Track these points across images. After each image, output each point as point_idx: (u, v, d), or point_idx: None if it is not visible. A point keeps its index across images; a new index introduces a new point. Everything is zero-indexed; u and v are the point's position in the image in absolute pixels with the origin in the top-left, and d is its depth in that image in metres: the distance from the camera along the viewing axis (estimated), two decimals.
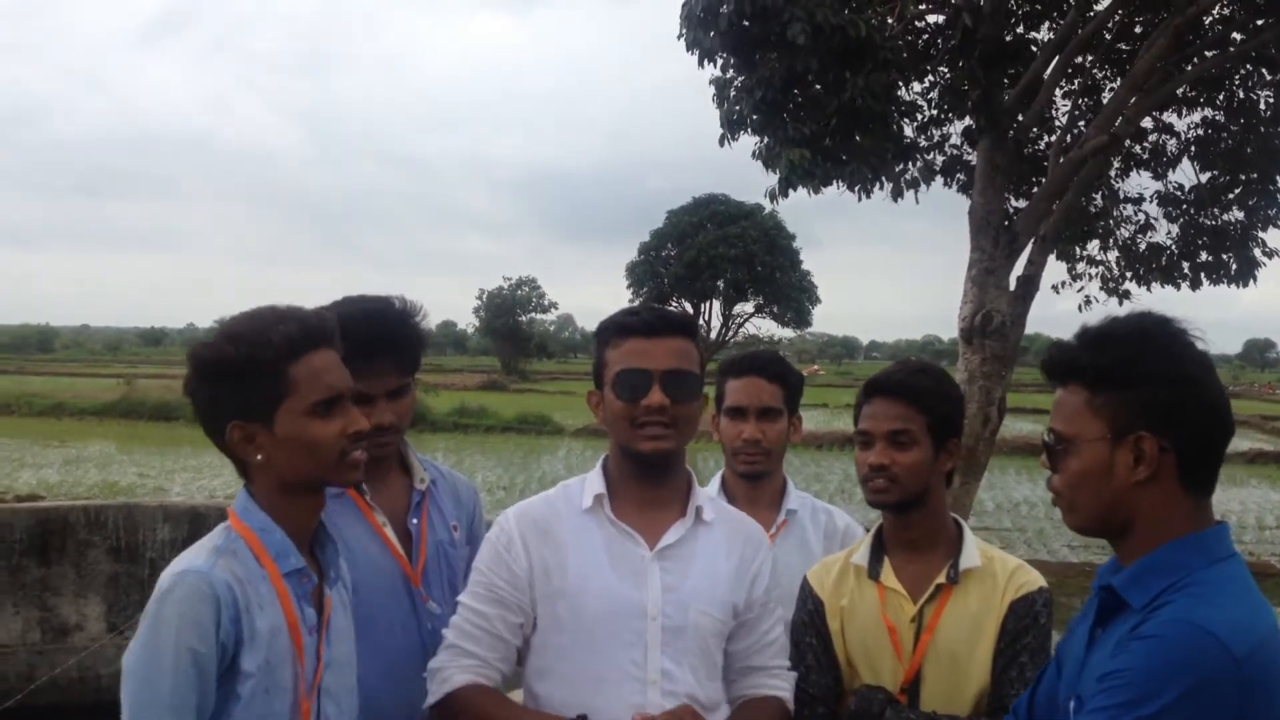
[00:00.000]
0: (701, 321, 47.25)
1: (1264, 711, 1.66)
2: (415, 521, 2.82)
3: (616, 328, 2.43)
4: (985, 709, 2.54)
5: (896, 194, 11.79)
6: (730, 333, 48.49)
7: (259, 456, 2.11)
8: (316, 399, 2.10)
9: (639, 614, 2.34)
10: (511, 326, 68.11)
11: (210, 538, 2.13)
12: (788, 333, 54.24)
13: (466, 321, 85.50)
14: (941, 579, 2.62)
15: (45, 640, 8.26)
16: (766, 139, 11.08)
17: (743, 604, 2.46)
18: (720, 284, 45.71)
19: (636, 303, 47.08)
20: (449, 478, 3.01)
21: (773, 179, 11.06)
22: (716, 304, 47.49)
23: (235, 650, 2.00)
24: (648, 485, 2.43)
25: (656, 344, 2.37)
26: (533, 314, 70.59)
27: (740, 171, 12.62)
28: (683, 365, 2.37)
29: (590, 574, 2.36)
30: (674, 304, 46.74)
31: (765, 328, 50.38)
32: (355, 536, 2.72)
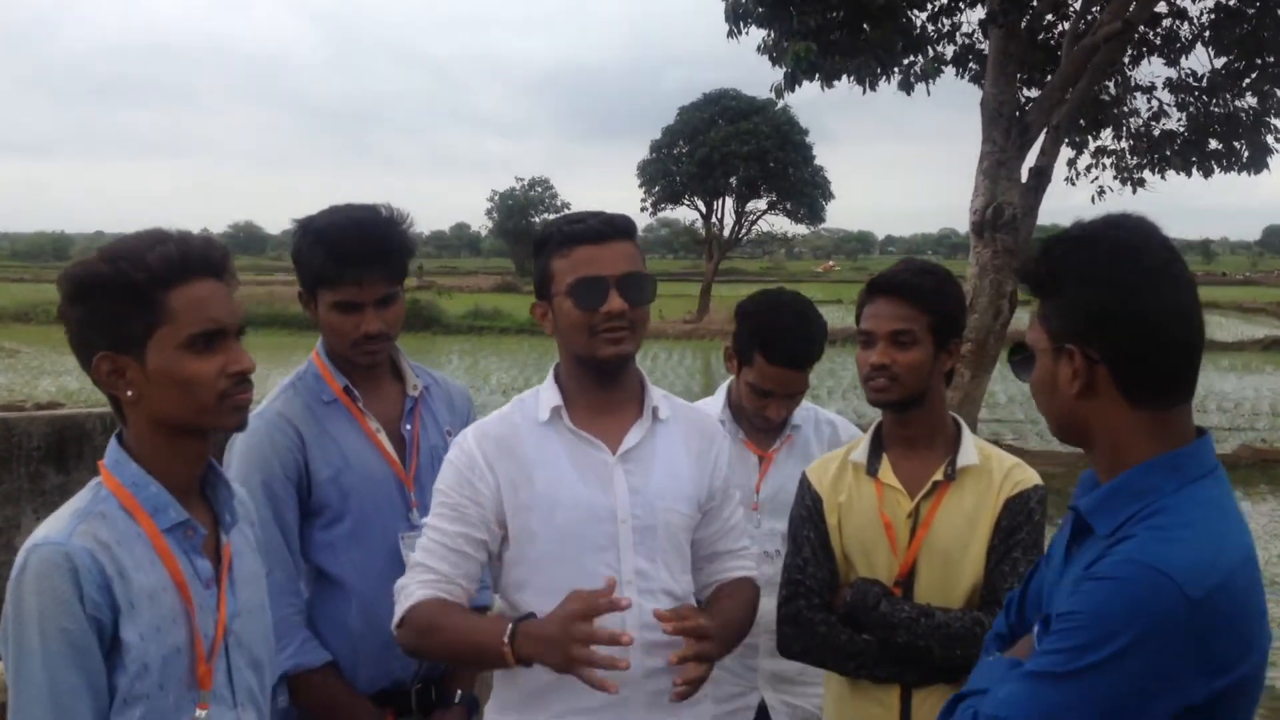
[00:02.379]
0: (714, 219, 46.90)
1: (1225, 643, 1.62)
2: (409, 427, 2.87)
3: (563, 236, 2.40)
4: (978, 603, 2.60)
5: (905, 86, 11.65)
6: (743, 230, 48.20)
7: (129, 393, 1.93)
8: (194, 331, 1.91)
9: (609, 518, 2.38)
10: (524, 228, 67.74)
11: (75, 499, 1.96)
12: (801, 229, 53.95)
13: (480, 224, 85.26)
14: (939, 476, 2.66)
15: None
16: (773, 32, 10.91)
17: (705, 495, 2.51)
18: (733, 181, 45.28)
19: (648, 201, 46.78)
20: (442, 384, 3.05)
21: (780, 73, 10.93)
22: (729, 201, 47.09)
23: (114, 620, 1.85)
24: (604, 390, 2.44)
25: (607, 249, 2.36)
26: (545, 215, 70.18)
27: (758, 66, 12.45)
28: (635, 268, 2.38)
29: (557, 484, 2.38)
30: (686, 202, 46.43)
31: (778, 224, 50.06)
32: (349, 442, 2.77)
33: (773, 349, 3.10)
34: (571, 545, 2.36)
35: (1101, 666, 1.60)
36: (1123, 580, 1.62)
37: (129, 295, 1.88)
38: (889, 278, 2.70)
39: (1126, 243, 1.75)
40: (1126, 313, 1.71)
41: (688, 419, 2.57)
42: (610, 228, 2.39)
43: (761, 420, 3.22)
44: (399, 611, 2.36)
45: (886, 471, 2.71)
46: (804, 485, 2.83)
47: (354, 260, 2.66)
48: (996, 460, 2.70)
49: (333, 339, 2.78)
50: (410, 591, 2.36)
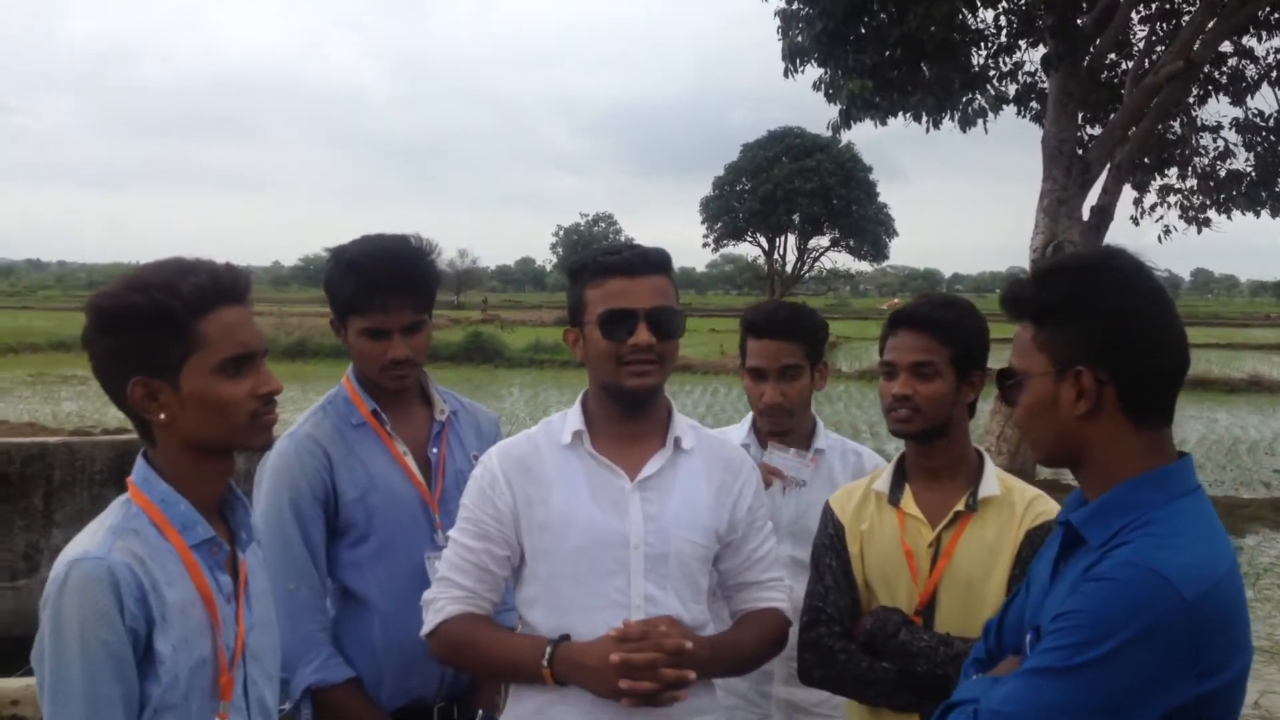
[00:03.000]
0: (777, 256, 46.89)
1: (1215, 649, 1.68)
2: (435, 450, 2.94)
3: (597, 267, 2.45)
4: None
5: (964, 124, 11.63)
6: (806, 267, 48.14)
7: (162, 416, 1.98)
8: (227, 355, 1.98)
9: (621, 543, 2.41)
10: None
11: (107, 515, 2.02)
12: (864, 266, 53.77)
13: (544, 258, 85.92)
14: (960, 506, 2.67)
15: None
16: (828, 70, 10.97)
17: (725, 527, 2.52)
18: (795, 218, 45.31)
19: (711, 237, 46.90)
20: (470, 410, 3.12)
21: (836, 110, 10.97)
22: (791, 238, 47.09)
23: (148, 632, 1.91)
24: (629, 419, 2.49)
25: (639, 282, 2.40)
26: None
27: (820, 104, 12.48)
28: (666, 302, 2.41)
29: (572, 506, 2.43)
30: (749, 238, 46.50)
31: (841, 261, 49.94)
32: (376, 464, 2.84)
33: (756, 325, 3.22)
34: (583, 567, 2.40)
35: (1100, 663, 1.67)
36: (1122, 581, 1.69)
37: (164, 323, 1.94)
38: (910, 311, 2.74)
39: (1131, 272, 1.86)
40: (1138, 337, 1.81)
41: (713, 451, 2.59)
42: (643, 261, 2.43)
43: (768, 420, 3.23)
44: (430, 623, 2.44)
45: (909, 501, 2.73)
46: (827, 513, 2.85)
47: (382, 288, 2.74)
48: (1019, 492, 2.70)
49: (362, 364, 2.86)
50: (440, 606, 2.43)
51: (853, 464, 3.33)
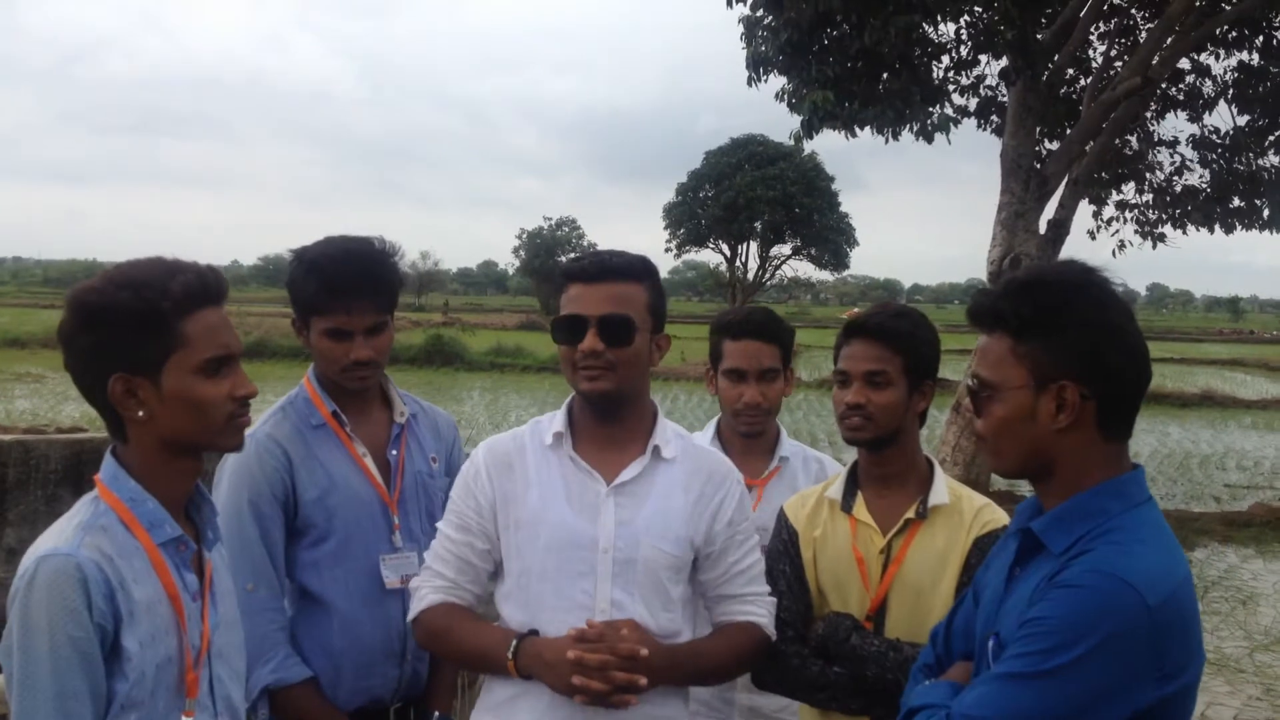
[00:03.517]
0: (739, 263, 47.01)
1: (1174, 651, 1.75)
2: (394, 452, 2.96)
3: (564, 273, 2.52)
4: None
5: (924, 136, 11.74)
6: (767, 275, 48.32)
7: (140, 413, 2.01)
8: (208, 356, 2.01)
9: (590, 546, 2.45)
10: (550, 266, 68.17)
11: (75, 512, 2.02)
12: (825, 275, 54.04)
13: (507, 261, 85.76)
14: (911, 514, 2.72)
15: None
16: (791, 80, 11.04)
17: (701, 538, 2.54)
18: (758, 225, 45.46)
19: (673, 243, 47.02)
20: (429, 412, 3.14)
21: (799, 120, 11.03)
22: (754, 245, 47.23)
23: (115, 629, 1.92)
24: (603, 424, 2.53)
25: (594, 289, 2.45)
26: (572, 254, 70.67)
27: (786, 113, 12.54)
28: (619, 310, 2.44)
29: (547, 506, 2.47)
30: (711, 245, 46.63)
31: (803, 270, 50.16)
32: (335, 465, 2.86)
33: (734, 326, 3.28)
34: (551, 566, 2.45)
35: (1070, 668, 1.72)
36: (1089, 588, 1.75)
37: (150, 322, 1.97)
38: (864, 320, 2.79)
39: (1107, 289, 1.91)
40: (1122, 354, 1.87)
41: (697, 461, 2.60)
42: (600, 269, 2.47)
43: (745, 421, 3.26)
44: (412, 611, 2.55)
45: (860, 508, 2.78)
46: (781, 519, 2.89)
47: (344, 289, 2.76)
48: (967, 500, 2.76)
49: (323, 365, 2.88)
50: (422, 595, 2.53)
51: (814, 471, 3.37)
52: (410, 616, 2.55)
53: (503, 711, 2.46)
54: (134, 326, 1.97)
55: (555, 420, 2.56)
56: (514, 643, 2.38)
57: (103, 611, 1.90)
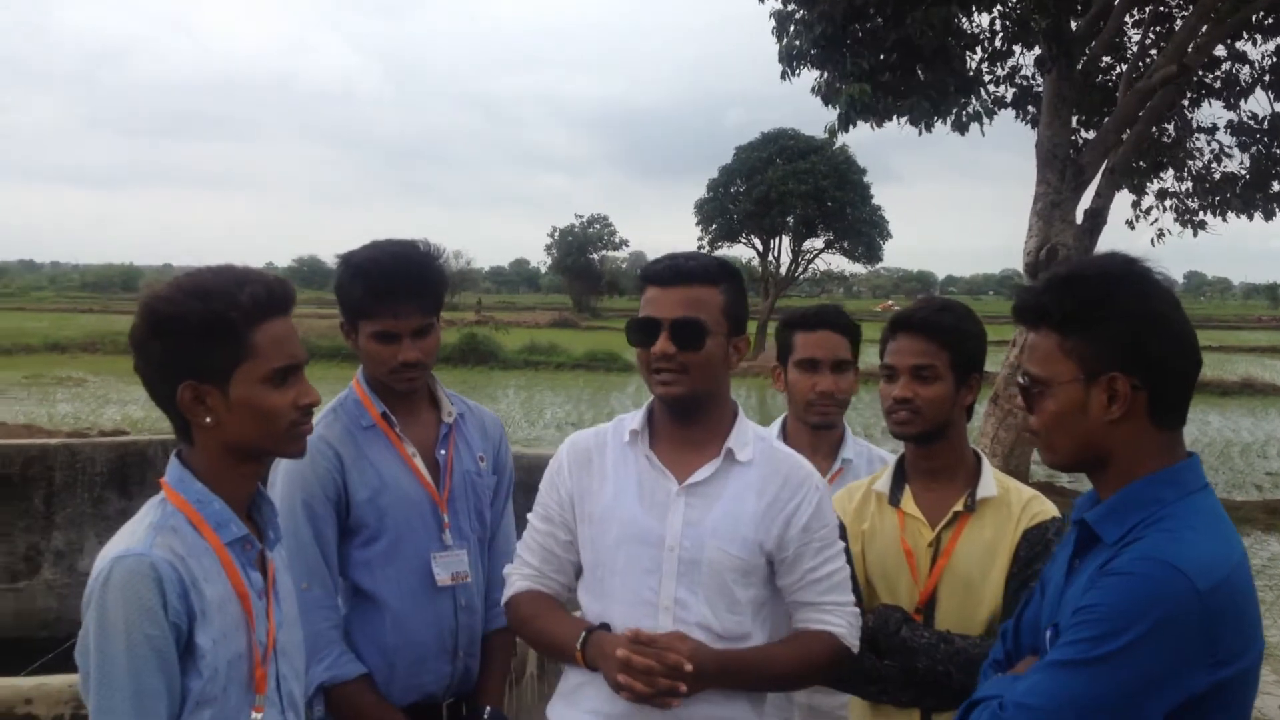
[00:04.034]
0: (771, 258, 46.88)
1: (1229, 639, 1.75)
2: (443, 452, 2.99)
3: (642, 275, 2.57)
4: (996, 630, 2.65)
5: (959, 127, 11.67)
6: (800, 269, 48.13)
7: (208, 420, 2.05)
8: (276, 365, 2.06)
9: (657, 543, 2.48)
10: (583, 264, 68.42)
11: (144, 514, 2.07)
12: (858, 268, 53.74)
13: (539, 260, 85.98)
14: (959, 507, 2.73)
15: None
16: (826, 74, 11.01)
17: (773, 543, 2.51)
18: (789, 220, 45.27)
19: (705, 239, 46.91)
20: (476, 412, 3.17)
21: (833, 114, 11.00)
22: (786, 240, 47.07)
23: (189, 627, 1.97)
24: (679, 425, 2.56)
25: (668, 293, 2.48)
26: (604, 251, 70.76)
27: (815, 106, 12.53)
28: (691, 313, 2.45)
29: (619, 502, 2.52)
30: (743, 240, 46.51)
31: (835, 263, 49.91)
32: (386, 466, 2.90)
33: (808, 318, 3.32)
34: (618, 562, 2.50)
35: (1120, 654, 1.73)
36: (1139, 575, 1.76)
37: (221, 331, 2.01)
38: (909, 315, 2.80)
39: (1151, 278, 1.92)
40: (1169, 342, 1.88)
41: (774, 464, 2.58)
42: (674, 273, 2.49)
43: (818, 411, 3.26)
44: (504, 596, 2.67)
45: (908, 501, 2.78)
46: None
47: (391, 293, 2.79)
48: (1015, 492, 2.76)
49: (372, 367, 2.91)
50: (512, 581, 2.66)
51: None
52: (503, 601, 2.67)
53: (572, 699, 2.53)
54: (204, 335, 2.01)
55: (635, 418, 2.60)
56: (583, 634, 2.44)
57: (177, 610, 1.94)
